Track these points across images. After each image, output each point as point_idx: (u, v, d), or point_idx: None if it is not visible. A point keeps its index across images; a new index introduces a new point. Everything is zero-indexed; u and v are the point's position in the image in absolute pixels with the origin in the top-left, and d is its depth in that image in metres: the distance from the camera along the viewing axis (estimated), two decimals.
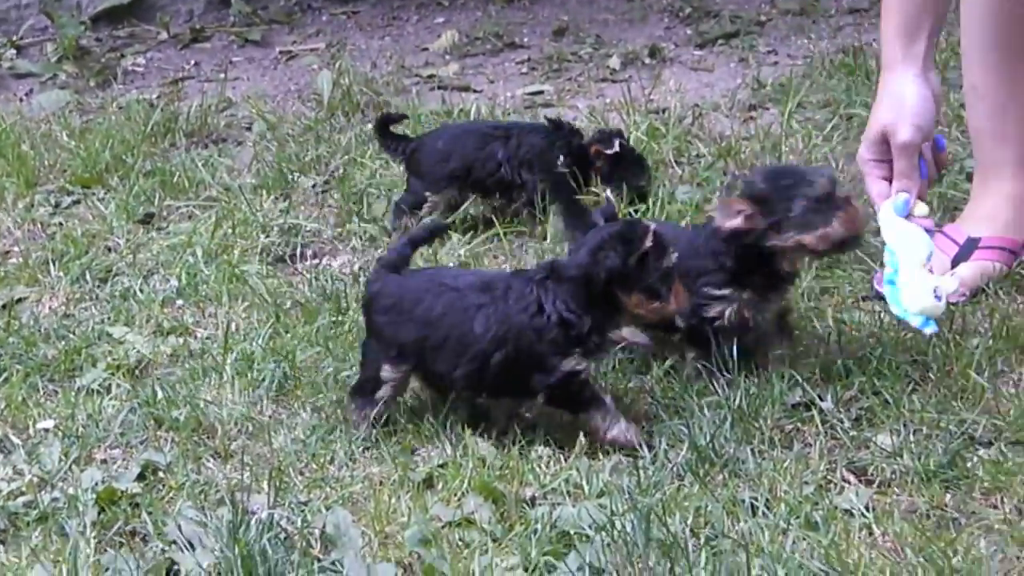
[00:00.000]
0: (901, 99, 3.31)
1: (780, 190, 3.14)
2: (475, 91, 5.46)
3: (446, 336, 3.04)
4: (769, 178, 3.18)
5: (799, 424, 3.04)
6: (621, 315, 3.04)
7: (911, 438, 2.96)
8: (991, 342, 3.28)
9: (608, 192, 3.19)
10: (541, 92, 5.45)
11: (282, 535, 2.70)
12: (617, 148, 4.04)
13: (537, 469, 2.96)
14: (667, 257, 2.98)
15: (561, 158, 4.06)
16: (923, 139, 3.30)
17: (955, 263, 3.65)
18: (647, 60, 5.71)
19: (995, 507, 2.77)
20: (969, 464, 2.88)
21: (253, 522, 2.70)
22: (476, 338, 3.01)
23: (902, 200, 3.27)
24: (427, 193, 4.13)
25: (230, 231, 4.15)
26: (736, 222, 3.15)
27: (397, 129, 4.30)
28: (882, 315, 3.40)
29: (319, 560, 2.67)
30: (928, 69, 3.36)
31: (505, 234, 4.01)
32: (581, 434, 3.01)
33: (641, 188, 4.10)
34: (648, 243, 2.96)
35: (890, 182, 3.31)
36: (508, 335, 3.00)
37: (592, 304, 2.98)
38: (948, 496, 2.80)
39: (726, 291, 3.20)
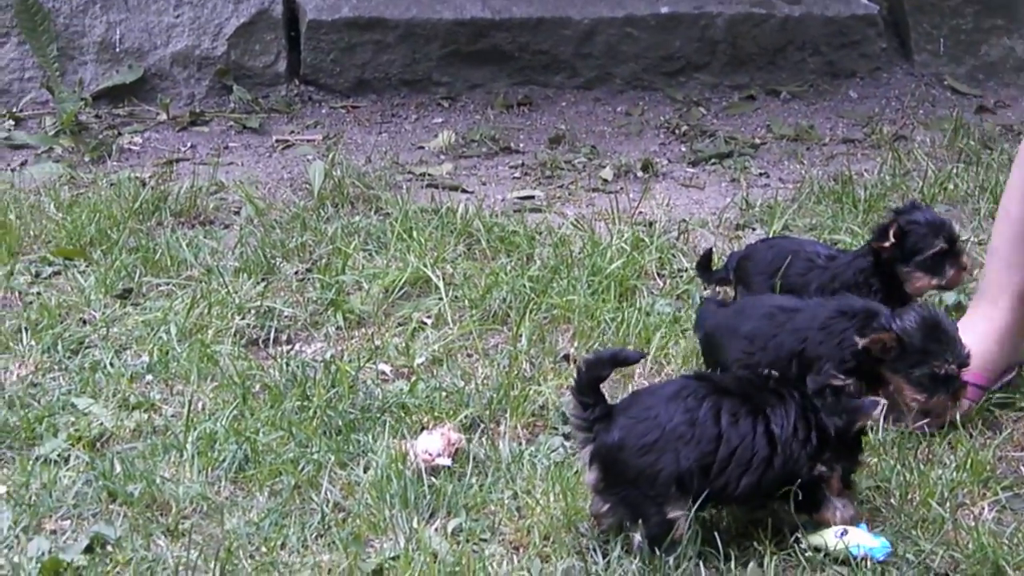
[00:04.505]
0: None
1: (925, 348, 3.47)
2: (466, 191, 5.50)
3: None
4: (924, 331, 3.48)
5: (755, 543, 3.01)
6: None
7: (868, 564, 2.93)
8: (954, 474, 3.27)
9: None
10: (532, 197, 5.48)
11: None
12: (892, 239, 3.90)
13: (490, 568, 2.93)
14: None
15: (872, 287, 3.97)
16: None
17: None
18: (639, 173, 5.76)
19: None
20: None
21: None
22: None
23: None
24: None
25: (206, 311, 4.14)
26: (872, 345, 3.49)
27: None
28: None
29: None
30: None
31: None
32: (536, 533, 3.01)
33: (941, 251, 3.90)
34: None
35: None
36: None
37: None
38: None
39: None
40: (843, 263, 4.07)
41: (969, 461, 3.31)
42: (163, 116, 6.21)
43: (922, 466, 3.31)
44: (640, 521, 2.94)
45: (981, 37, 6.81)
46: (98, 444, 3.47)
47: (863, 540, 2.97)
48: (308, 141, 6.06)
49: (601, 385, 3.03)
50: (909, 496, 3.20)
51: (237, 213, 5.15)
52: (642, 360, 3.44)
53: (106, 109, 6.25)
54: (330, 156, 5.58)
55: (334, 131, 6.18)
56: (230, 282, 4.35)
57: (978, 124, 6.16)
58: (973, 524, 3.08)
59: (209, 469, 3.32)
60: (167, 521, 3.10)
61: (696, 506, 2.92)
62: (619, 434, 2.96)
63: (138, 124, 6.16)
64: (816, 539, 2.99)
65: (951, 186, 5.29)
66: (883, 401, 3.08)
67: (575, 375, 3.04)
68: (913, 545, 3.02)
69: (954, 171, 5.42)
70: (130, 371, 3.84)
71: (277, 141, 6.07)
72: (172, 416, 3.61)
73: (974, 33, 6.80)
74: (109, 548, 3.00)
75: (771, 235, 4.80)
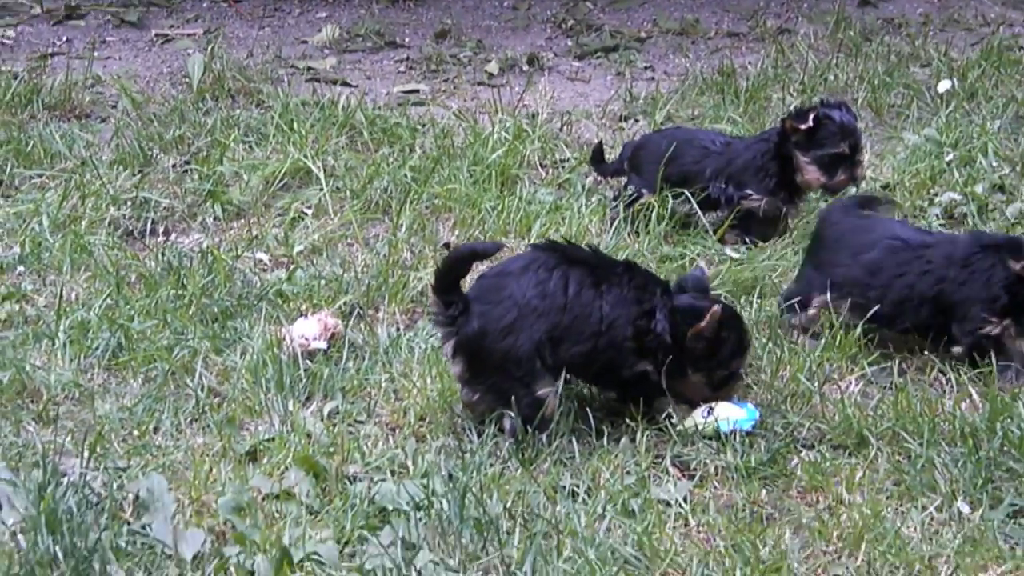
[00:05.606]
0: None
1: None
2: (349, 85, 5.44)
3: None
4: None
5: (628, 420, 3.05)
6: None
7: (737, 436, 2.99)
8: (822, 351, 3.33)
9: (701, 262, 3.18)
10: (416, 91, 5.44)
11: (93, 498, 2.65)
12: (811, 123, 3.94)
13: (364, 447, 2.94)
14: None
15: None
16: None
17: None
18: (525, 67, 5.73)
19: (809, 505, 2.81)
20: (790, 464, 2.92)
21: (65, 483, 2.65)
22: None
23: None
24: (643, 191, 4.09)
25: (80, 203, 4.08)
26: None
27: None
28: None
29: (128, 523, 2.63)
30: None
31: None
32: (412, 414, 3.04)
33: (840, 154, 3.96)
34: None
35: None
36: None
37: None
38: (765, 493, 2.84)
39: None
40: (741, 147, 4.11)
41: (836, 338, 3.37)
42: (37, 9, 6.05)
43: (792, 343, 3.37)
44: (512, 402, 2.96)
45: None
46: None
47: (729, 413, 3.02)
48: (188, 35, 5.94)
49: (461, 281, 3.03)
50: (779, 372, 3.26)
51: (114, 107, 5.06)
52: (501, 250, 3.38)
53: None
54: (210, 49, 5.48)
55: (215, 25, 6.07)
56: (105, 174, 4.28)
57: (859, 17, 6.21)
58: (839, 397, 3.15)
59: (81, 357, 3.29)
60: (37, 407, 3.07)
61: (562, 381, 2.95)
62: (478, 322, 2.95)
63: (11, 17, 6.00)
64: (687, 422, 3.04)
65: (831, 76, 5.34)
66: (716, 308, 3.03)
67: (434, 275, 3.02)
68: (782, 418, 3.07)
69: (834, 62, 5.47)
70: (1, 262, 3.77)
71: (156, 35, 5.95)
72: (44, 306, 3.56)
73: None
74: None
75: (654, 126, 4.82)
